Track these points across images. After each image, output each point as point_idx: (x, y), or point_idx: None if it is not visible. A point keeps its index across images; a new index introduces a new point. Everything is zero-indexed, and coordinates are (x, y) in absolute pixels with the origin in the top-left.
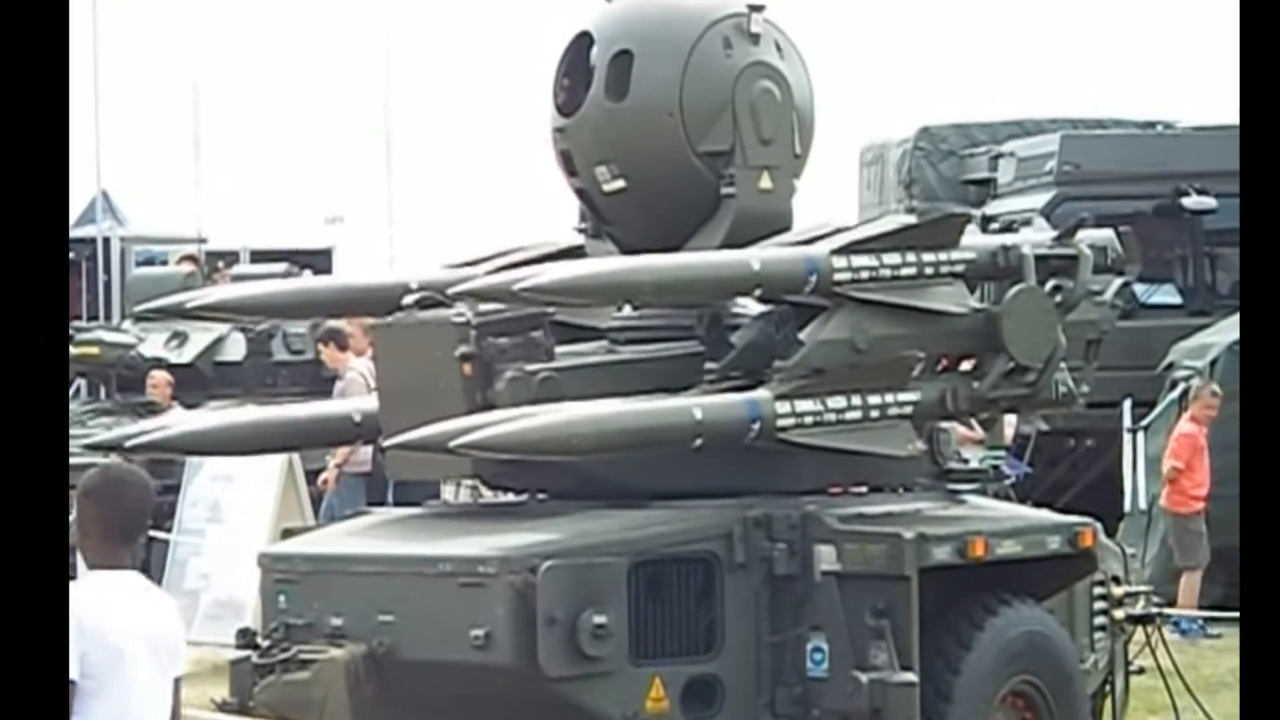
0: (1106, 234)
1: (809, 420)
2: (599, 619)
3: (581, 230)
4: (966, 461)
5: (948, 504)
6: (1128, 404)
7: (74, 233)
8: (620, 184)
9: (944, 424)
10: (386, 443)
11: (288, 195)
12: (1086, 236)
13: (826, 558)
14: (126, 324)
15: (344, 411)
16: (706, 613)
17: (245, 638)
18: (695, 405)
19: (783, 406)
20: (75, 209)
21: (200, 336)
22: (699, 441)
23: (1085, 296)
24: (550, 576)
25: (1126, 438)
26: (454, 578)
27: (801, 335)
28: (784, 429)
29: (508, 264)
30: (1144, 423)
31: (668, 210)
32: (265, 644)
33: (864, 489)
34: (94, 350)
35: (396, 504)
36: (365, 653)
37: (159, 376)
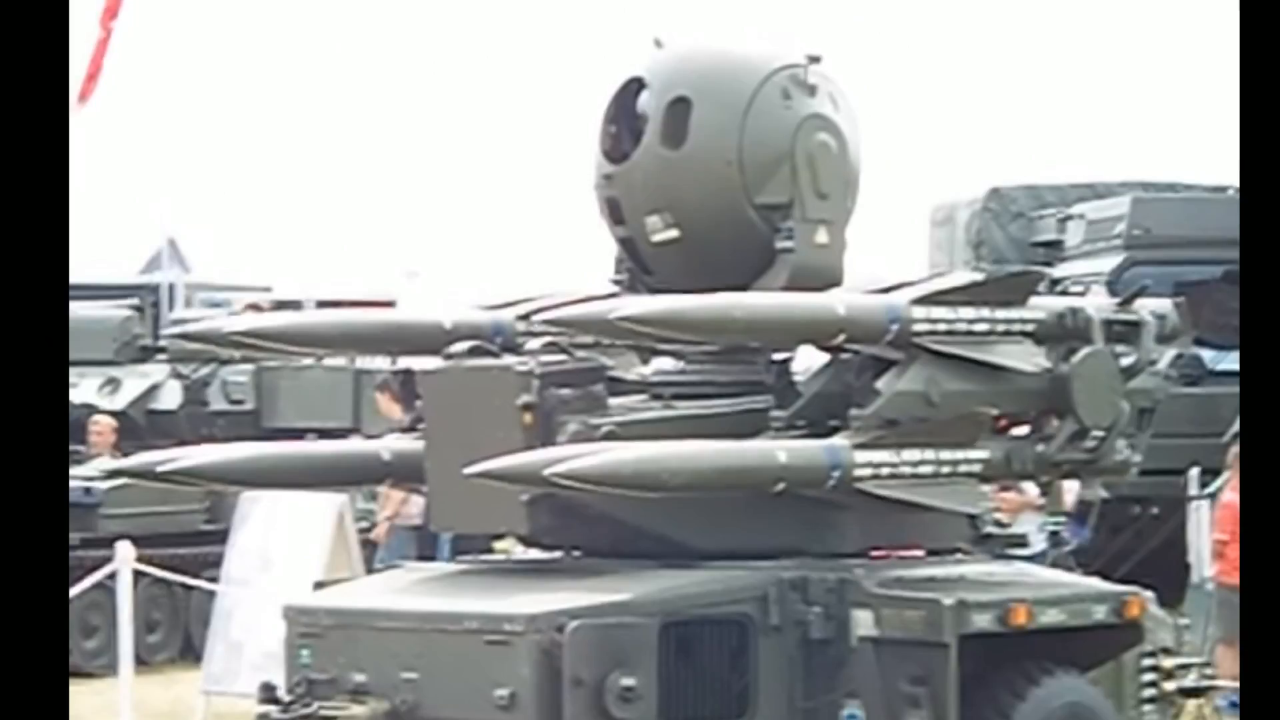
0: (1165, 303)
1: (885, 472)
2: (627, 681)
3: (618, 282)
4: (1006, 526)
5: (992, 570)
6: (1194, 472)
7: (138, 279)
8: (673, 234)
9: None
10: (470, 470)
11: (366, 249)
12: (1145, 305)
13: (863, 622)
14: None
15: (372, 449)
16: (739, 676)
17: (268, 692)
18: (779, 449)
19: (861, 456)
20: (142, 257)
21: (134, 383)
22: (781, 486)
23: (1148, 364)
24: (578, 636)
25: (1191, 506)
26: (479, 635)
27: (877, 385)
28: (861, 479)
29: (541, 307)
30: (1209, 490)
31: (718, 262)
32: (287, 699)
33: (911, 552)
34: None
35: (455, 556)
36: (388, 710)
37: (103, 423)
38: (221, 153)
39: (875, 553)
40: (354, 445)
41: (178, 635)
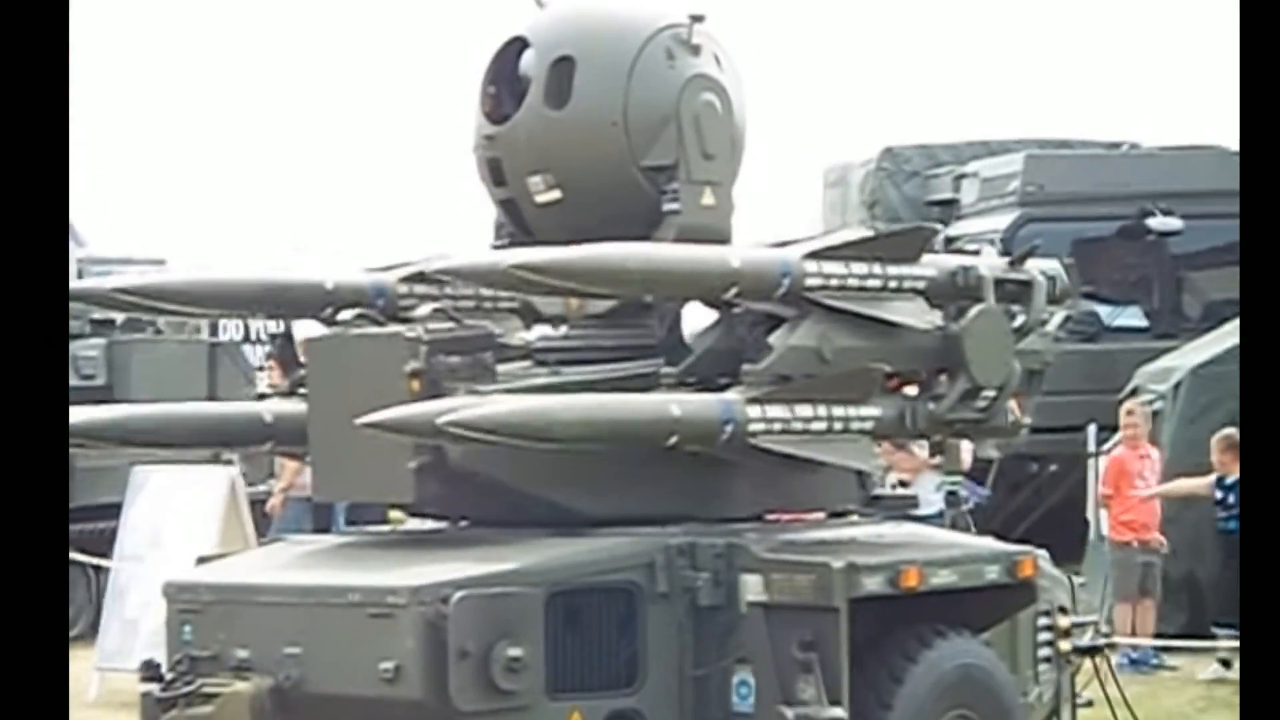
0: (1054, 264)
1: (778, 427)
2: (514, 651)
3: (498, 248)
4: (897, 486)
5: (883, 532)
6: (1092, 429)
7: None
8: (555, 194)
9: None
10: (361, 421)
11: (257, 222)
12: (1035, 265)
13: (753, 588)
14: None
15: (254, 411)
16: (627, 645)
17: (150, 670)
18: (673, 402)
19: (754, 410)
20: None
21: None
22: (674, 439)
23: (1038, 325)
24: (462, 607)
25: (1090, 463)
26: (362, 608)
27: (770, 340)
28: (754, 434)
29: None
30: (1107, 447)
31: (602, 224)
32: (169, 677)
33: (802, 515)
34: None
35: (348, 525)
36: (271, 686)
37: None
38: (116, 127)
39: (773, 516)
40: (236, 407)
41: None
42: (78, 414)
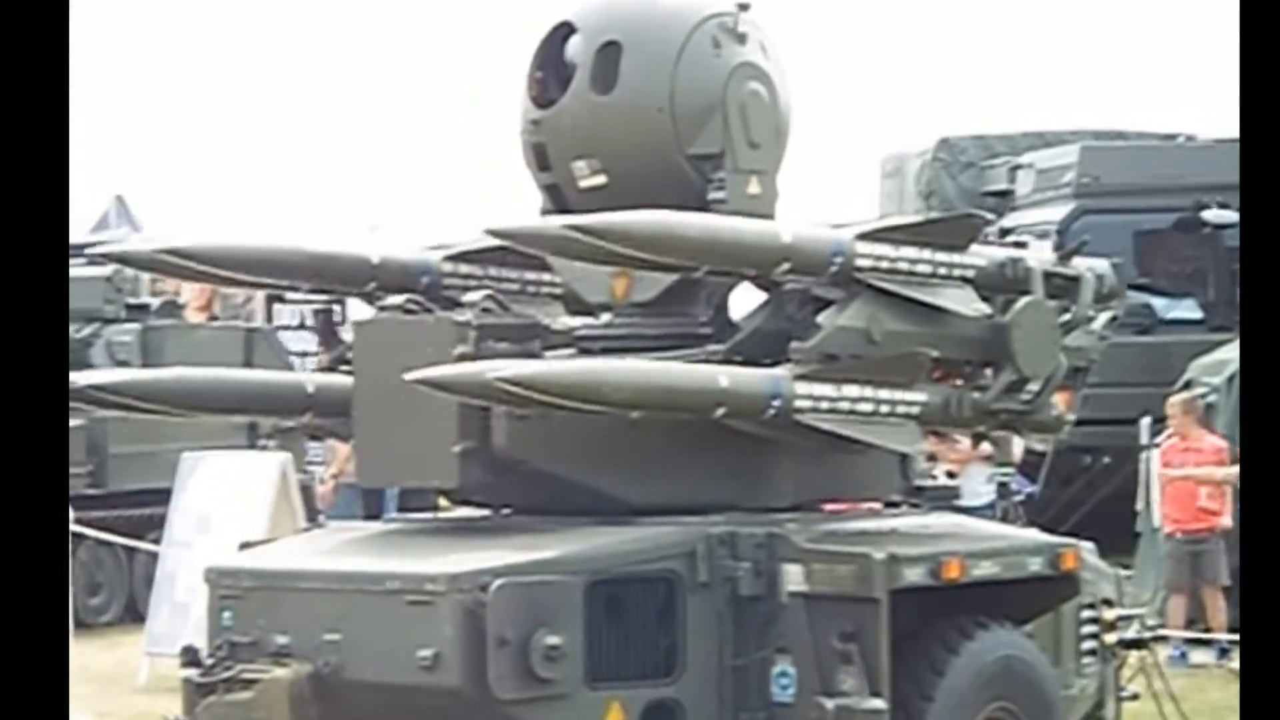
0: (1103, 263)
1: (824, 405)
2: (552, 640)
3: None
4: (936, 478)
5: (926, 522)
6: (1146, 421)
7: (88, 238)
8: (601, 179)
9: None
10: (410, 376)
11: (325, 202)
12: (1083, 264)
13: (793, 578)
14: None
15: (297, 380)
16: (667, 634)
17: (190, 655)
18: (721, 374)
19: (801, 387)
20: (92, 216)
21: None
22: (721, 410)
23: (1085, 321)
24: (501, 595)
25: (1143, 455)
26: (401, 595)
27: (819, 320)
28: (800, 410)
29: (476, 249)
30: (1160, 439)
31: (646, 209)
32: (209, 662)
33: (845, 505)
34: None
35: (402, 511)
36: (310, 672)
37: None
38: (173, 106)
39: (830, 506)
40: (279, 375)
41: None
42: (119, 374)
